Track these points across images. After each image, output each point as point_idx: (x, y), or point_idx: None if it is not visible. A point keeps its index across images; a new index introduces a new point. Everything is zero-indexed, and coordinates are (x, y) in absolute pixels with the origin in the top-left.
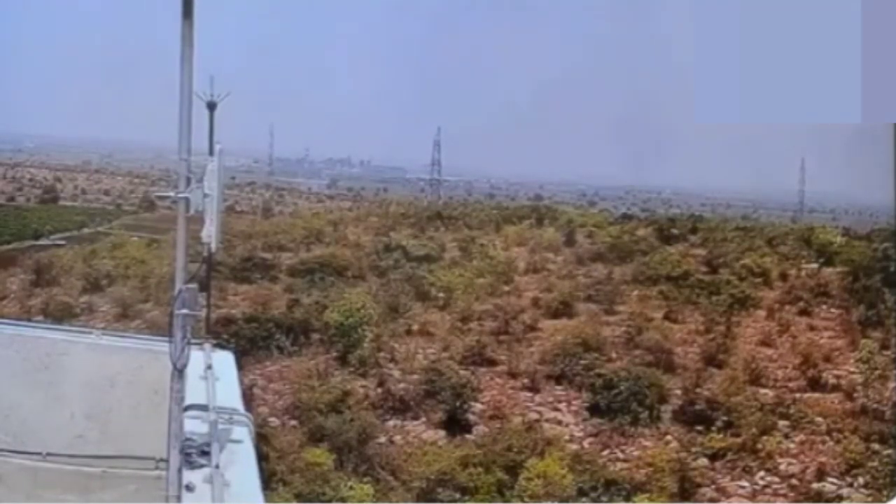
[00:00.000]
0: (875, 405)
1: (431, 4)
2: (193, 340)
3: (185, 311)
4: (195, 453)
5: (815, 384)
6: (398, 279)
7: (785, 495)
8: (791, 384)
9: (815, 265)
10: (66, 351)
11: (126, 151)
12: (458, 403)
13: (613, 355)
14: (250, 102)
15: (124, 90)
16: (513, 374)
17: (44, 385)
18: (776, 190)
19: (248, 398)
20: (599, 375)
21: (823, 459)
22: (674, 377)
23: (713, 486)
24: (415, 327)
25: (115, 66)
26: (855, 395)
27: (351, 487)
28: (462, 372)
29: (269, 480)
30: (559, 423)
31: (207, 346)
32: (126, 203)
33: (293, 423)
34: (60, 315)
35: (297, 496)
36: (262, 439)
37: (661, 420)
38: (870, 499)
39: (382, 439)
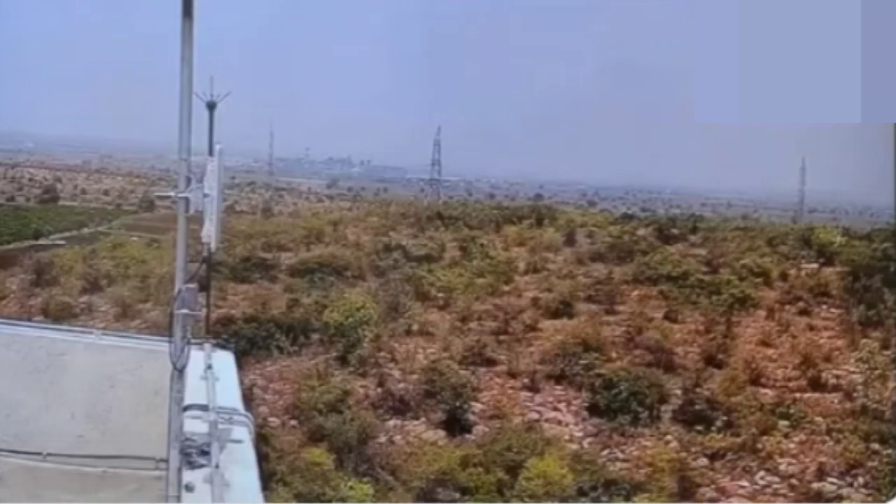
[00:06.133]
0: (875, 405)
1: (432, 6)
2: (193, 340)
3: (184, 310)
4: (195, 453)
5: (816, 384)
6: (398, 279)
7: (785, 495)
8: (791, 384)
9: (815, 265)
10: (66, 351)
11: (126, 151)
12: (457, 403)
13: (613, 355)
14: (250, 102)
15: (124, 90)
16: (513, 374)
17: (44, 385)
18: (776, 190)
19: (248, 398)
20: (599, 375)
21: (823, 459)
22: (674, 377)
23: (713, 486)
24: (415, 327)
25: (114, 66)
26: (855, 394)
27: (351, 487)
28: (462, 372)
29: (268, 480)
30: (559, 422)
31: (207, 346)
32: (126, 203)
33: (293, 422)
34: (60, 315)
35: (297, 496)
36: (261, 439)
37: (660, 420)
38: (870, 499)
39: (382, 439)
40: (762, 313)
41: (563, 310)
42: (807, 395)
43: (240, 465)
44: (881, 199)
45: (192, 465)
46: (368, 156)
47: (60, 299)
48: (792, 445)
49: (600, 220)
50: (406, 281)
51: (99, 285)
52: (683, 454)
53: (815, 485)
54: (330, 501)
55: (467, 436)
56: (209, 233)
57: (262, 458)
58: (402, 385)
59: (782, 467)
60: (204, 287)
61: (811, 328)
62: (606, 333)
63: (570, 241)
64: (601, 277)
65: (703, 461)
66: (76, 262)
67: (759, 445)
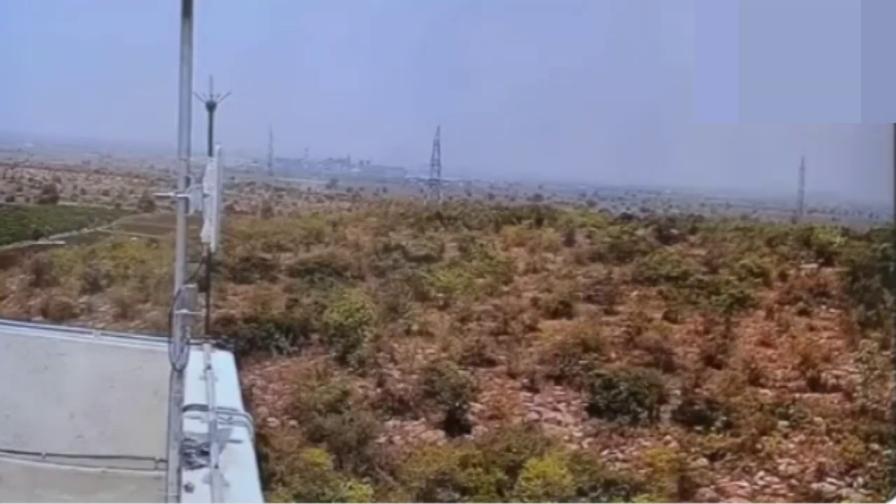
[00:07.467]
0: (875, 405)
1: (431, 5)
2: (193, 340)
3: (184, 311)
4: (195, 453)
5: (815, 384)
6: (398, 279)
7: (784, 495)
8: (791, 384)
9: (814, 265)
10: (66, 351)
11: (126, 151)
12: (457, 403)
13: (613, 355)
14: (250, 102)
15: (124, 90)
16: (512, 375)
17: (44, 385)
18: (776, 190)
19: (248, 398)
20: (599, 375)
21: (823, 459)
22: (673, 377)
23: (713, 487)
24: (414, 327)
25: (114, 66)
26: (854, 395)
27: (350, 487)
28: (461, 372)
29: (268, 481)
30: (558, 423)
31: (207, 346)
32: (126, 203)
33: (292, 423)
34: (60, 315)
35: (297, 496)
36: (261, 439)
37: (660, 420)
38: (869, 499)
39: (382, 439)
40: (762, 313)
41: (562, 310)
42: (806, 395)
43: (239, 465)
44: (881, 199)
45: (192, 466)
46: (368, 156)
47: (60, 299)
48: (791, 446)
49: (600, 220)
50: (406, 281)
51: (98, 285)
52: (683, 454)
53: (815, 485)
54: (329, 502)
55: (467, 436)
56: (209, 233)
57: (261, 459)
58: (401, 385)
59: (782, 467)
60: (203, 287)
61: (811, 328)
62: (606, 334)
63: (569, 241)
64: (600, 278)
65: (703, 461)
66: (76, 262)
67: (759, 446)
